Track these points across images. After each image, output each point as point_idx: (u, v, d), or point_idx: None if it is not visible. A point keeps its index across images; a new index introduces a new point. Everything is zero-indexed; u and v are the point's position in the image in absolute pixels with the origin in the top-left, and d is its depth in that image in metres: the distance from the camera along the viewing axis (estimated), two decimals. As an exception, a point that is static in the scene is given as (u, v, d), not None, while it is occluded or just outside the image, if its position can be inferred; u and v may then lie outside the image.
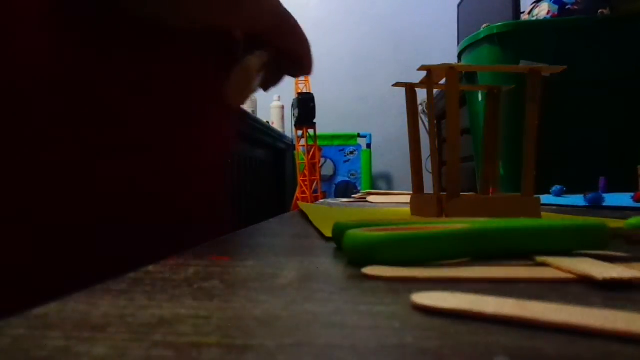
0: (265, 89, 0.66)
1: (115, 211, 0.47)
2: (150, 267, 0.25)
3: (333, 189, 3.30)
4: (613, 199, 0.74)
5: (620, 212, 0.62)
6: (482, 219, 0.34)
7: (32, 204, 0.44)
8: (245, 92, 0.57)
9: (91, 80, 0.46)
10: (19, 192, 0.44)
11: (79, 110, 0.46)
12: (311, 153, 2.83)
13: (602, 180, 0.92)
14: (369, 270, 0.23)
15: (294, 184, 3.04)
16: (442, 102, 1.92)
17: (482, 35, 1.33)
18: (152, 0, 0.47)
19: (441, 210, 0.47)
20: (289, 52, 0.59)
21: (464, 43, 1.46)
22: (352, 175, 3.35)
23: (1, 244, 0.42)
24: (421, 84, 0.54)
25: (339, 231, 0.30)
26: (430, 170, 0.54)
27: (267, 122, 3.04)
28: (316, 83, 2.84)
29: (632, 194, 0.75)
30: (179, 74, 0.53)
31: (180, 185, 0.55)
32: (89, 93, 0.46)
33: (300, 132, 2.81)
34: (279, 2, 0.58)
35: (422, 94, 0.56)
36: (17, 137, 0.43)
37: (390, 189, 3.45)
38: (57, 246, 0.45)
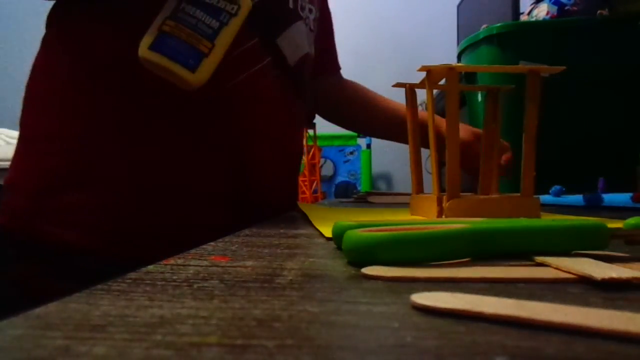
0: None
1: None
2: (151, 267, 0.25)
3: (333, 189, 3.30)
4: (612, 199, 0.74)
5: (619, 212, 0.62)
6: (481, 219, 0.34)
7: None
8: None
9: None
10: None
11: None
12: (311, 153, 2.83)
13: (601, 181, 0.92)
14: (368, 270, 0.23)
15: (294, 184, 3.03)
16: (442, 102, 1.92)
17: (481, 36, 1.33)
18: None
19: (441, 210, 0.47)
20: None
21: (463, 43, 1.46)
22: (352, 175, 3.35)
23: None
24: (421, 84, 0.54)
25: (339, 231, 0.30)
26: (430, 171, 0.54)
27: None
28: (316, 83, 2.84)
29: (631, 194, 0.75)
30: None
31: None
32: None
33: (300, 133, 2.80)
34: None
35: (422, 94, 0.56)
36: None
37: (390, 189, 3.45)
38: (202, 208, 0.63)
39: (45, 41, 0.68)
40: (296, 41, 0.72)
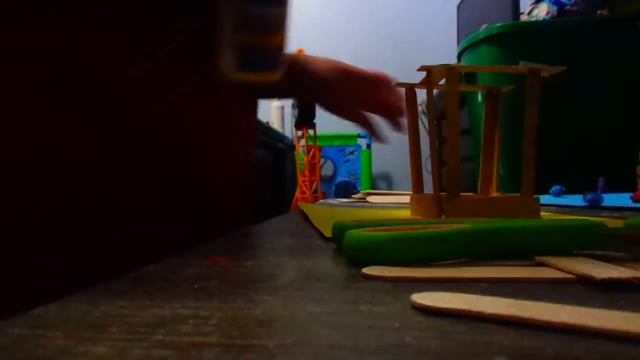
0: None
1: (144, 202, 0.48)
2: (151, 267, 0.25)
3: (333, 189, 3.30)
4: (612, 199, 0.74)
5: (620, 212, 0.62)
6: (482, 219, 0.34)
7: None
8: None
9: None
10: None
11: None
12: (311, 153, 2.83)
13: (601, 181, 0.92)
14: (369, 270, 0.23)
15: (294, 184, 3.04)
16: (442, 102, 1.92)
17: (481, 36, 1.34)
18: None
19: (441, 210, 0.47)
20: None
21: (463, 44, 1.46)
22: (352, 175, 3.35)
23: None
24: (421, 84, 0.54)
25: (339, 231, 0.30)
26: (430, 170, 0.54)
27: (267, 123, 3.04)
28: (316, 83, 2.84)
29: (631, 194, 0.75)
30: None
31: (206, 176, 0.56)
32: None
33: (300, 133, 2.81)
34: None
35: (422, 94, 0.56)
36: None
37: (390, 189, 3.45)
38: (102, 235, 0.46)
39: None
40: None
